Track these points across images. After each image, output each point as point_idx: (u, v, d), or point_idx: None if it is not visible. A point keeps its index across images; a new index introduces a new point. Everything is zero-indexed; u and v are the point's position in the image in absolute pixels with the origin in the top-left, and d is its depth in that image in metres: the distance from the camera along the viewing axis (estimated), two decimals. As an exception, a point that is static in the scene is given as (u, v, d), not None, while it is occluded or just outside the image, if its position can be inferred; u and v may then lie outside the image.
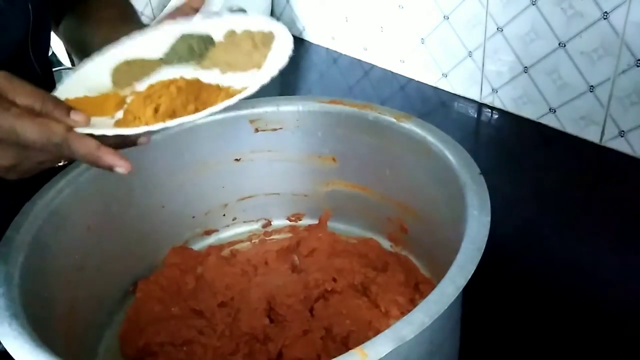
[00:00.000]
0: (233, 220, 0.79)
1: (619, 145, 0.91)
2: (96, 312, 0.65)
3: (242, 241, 0.78)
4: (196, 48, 0.58)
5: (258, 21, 0.58)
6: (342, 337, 0.62)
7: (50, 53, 1.40)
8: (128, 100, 0.53)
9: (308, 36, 1.40)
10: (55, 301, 0.57)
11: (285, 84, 1.28)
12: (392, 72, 1.23)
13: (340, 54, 1.33)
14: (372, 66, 1.26)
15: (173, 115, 0.48)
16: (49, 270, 0.57)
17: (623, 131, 0.90)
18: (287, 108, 0.71)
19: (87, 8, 0.72)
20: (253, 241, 0.78)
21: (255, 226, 0.80)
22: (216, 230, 0.79)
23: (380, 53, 1.24)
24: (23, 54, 0.62)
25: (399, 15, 1.15)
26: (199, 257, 0.75)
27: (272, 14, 1.45)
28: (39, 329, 0.47)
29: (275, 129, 0.72)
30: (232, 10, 0.63)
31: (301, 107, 0.71)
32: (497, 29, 1.00)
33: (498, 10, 0.98)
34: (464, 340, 0.57)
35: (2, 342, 0.45)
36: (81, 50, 0.74)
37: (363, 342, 0.40)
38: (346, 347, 0.61)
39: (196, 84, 0.52)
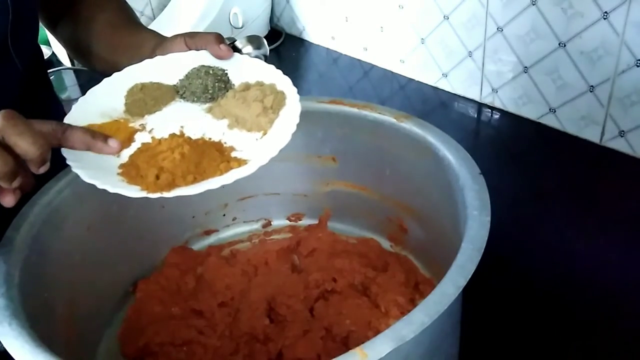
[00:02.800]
0: (233, 220, 0.79)
1: (619, 145, 0.91)
2: (96, 312, 0.65)
3: (242, 241, 0.78)
4: (210, 89, 0.59)
5: (273, 75, 0.59)
6: (342, 337, 0.62)
7: (50, 53, 1.41)
8: (137, 139, 0.55)
9: (308, 36, 1.40)
10: (55, 301, 0.57)
11: (285, 84, 1.28)
12: (392, 72, 1.22)
13: (340, 54, 1.33)
14: (372, 66, 1.26)
15: (172, 183, 0.49)
16: (49, 270, 0.57)
17: (623, 131, 0.90)
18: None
19: (83, 11, 0.72)
20: (253, 241, 0.78)
21: (255, 226, 0.80)
22: (216, 230, 0.79)
23: (380, 53, 1.24)
24: (2, 50, 0.62)
25: (399, 15, 1.15)
26: (199, 257, 0.75)
27: (272, 13, 1.45)
28: (39, 329, 0.47)
29: (275, 129, 0.72)
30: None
31: (301, 107, 0.71)
32: (497, 29, 1.00)
33: (498, 10, 0.98)
34: (464, 340, 0.57)
35: (2, 342, 0.45)
36: (81, 55, 0.74)
37: (363, 342, 0.40)
38: (346, 347, 0.61)
39: (199, 149, 0.53)
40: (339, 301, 0.66)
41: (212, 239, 0.78)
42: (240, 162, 0.52)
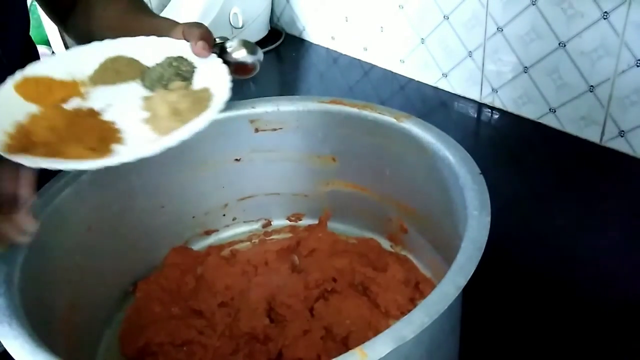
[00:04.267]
0: (233, 220, 0.79)
1: (619, 145, 0.91)
2: (96, 312, 0.65)
3: (242, 241, 0.78)
4: (165, 80, 0.59)
5: (220, 87, 0.58)
6: (342, 337, 0.62)
7: (50, 53, 1.41)
8: (71, 102, 0.56)
9: (308, 36, 1.40)
10: (55, 301, 0.57)
11: (285, 84, 1.29)
12: (392, 72, 1.22)
13: (340, 54, 1.33)
14: (372, 66, 1.26)
15: (24, 149, 0.49)
16: (49, 270, 0.57)
17: (623, 131, 0.90)
18: (287, 108, 0.71)
19: (93, 3, 0.72)
20: (253, 241, 0.78)
21: (255, 226, 0.80)
22: (216, 230, 0.79)
23: (380, 53, 1.24)
24: None
25: (399, 15, 1.15)
26: (199, 257, 0.75)
27: (272, 13, 1.45)
28: (39, 329, 0.47)
29: (275, 129, 0.72)
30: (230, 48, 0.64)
31: (301, 107, 0.71)
32: (497, 29, 1.00)
33: (498, 10, 0.98)
34: (464, 340, 0.57)
35: (2, 342, 0.45)
36: None
37: (363, 342, 0.40)
38: (346, 347, 0.61)
39: (82, 126, 0.53)
40: (339, 301, 0.66)
41: (212, 239, 0.78)
42: (104, 155, 0.51)
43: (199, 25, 0.63)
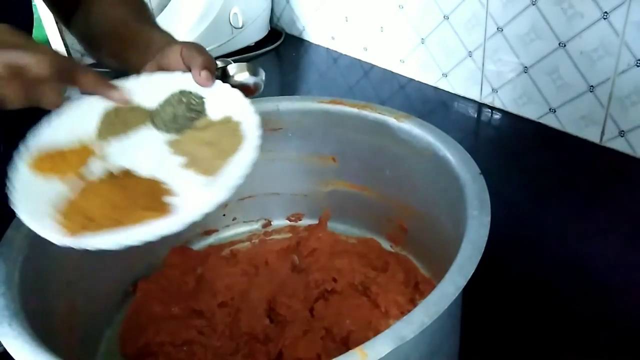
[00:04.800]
0: (233, 220, 0.79)
1: (619, 145, 0.91)
2: (96, 312, 0.65)
3: (242, 241, 0.78)
4: (180, 119, 0.57)
5: (244, 113, 0.57)
6: (342, 337, 0.62)
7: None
8: (92, 166, 0.53)
9: (308, 36, 1.40)
10: (55, 301, 0.57)
11: (285, 84, 1.29)
12: (392, 72, 1.22)
13: (340, 54, 1.33)
14: (372, 66, 1.26)
15: (84, 227, 0.48)
16: (49, 270, 0.57)
17: (623, 131, 0.90)
18: (287, 108, 0.71)
19: (96, 5, 0.71)
20: (253, 241, 0.78)
21: (255, 226, 0.80)
22: (216, 230, 0.79)
23: (380, 53, 1.24)
24: None
25: (399, 15, 1.15)
26: (199, 257, 0.75)
27: (272, 13, 1.45)
28: (39, 329, 0.47)
29: (275, 129, 0.72)
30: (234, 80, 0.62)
31: (301, 107, 0.71)
32: (497, 29, 1.00)
33: (498, 10, 0.98)
34: (464, 340, 0.57)
35: (2, 342, 0.45)
36: (94, 50, 0.74)
37: (363, 342, 0.40)
38: (346, 347, 0.61)
39: (131, 194, 0.51)
40: (339, 301, 0.66)
41: (212, 239, 0.78)
42: (167, 212, 0.49)
43: (199, 49, 0.60)
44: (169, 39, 0.65)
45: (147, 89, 0.59)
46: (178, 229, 0.47)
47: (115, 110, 0.58)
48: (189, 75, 0.59)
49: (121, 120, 0.58)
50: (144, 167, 0.54)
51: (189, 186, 0.52)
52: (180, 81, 0.59)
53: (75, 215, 0.49)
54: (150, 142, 0.57)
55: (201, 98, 0.59)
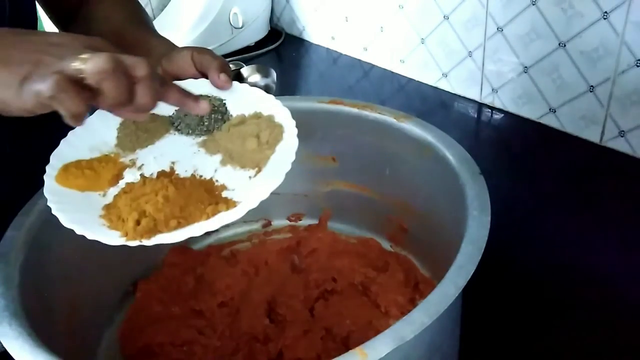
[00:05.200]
0: (233, 220, 0.79)
1: (619, 145, 0.91)
2: (96, 312, 0.65)
3: (242, 241, 0.78)
4: (206, 121, 0.58)
5: (272, 106, 0.57)
6: (342, 337, 0.62)
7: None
8: (126, 176, 0.53)
9: (308, 36, 1.40)
10: (55, 301, 0.57)
11: (285, 84, 1.29)
12: (392, 72, 1.22)
13: (340, 54, 1.33)
14: (372, 66, 1.26)
15: (154, 229, 0.48)
16: (49, 270, 0.57)
17: (623, 131, 0.90)
18: (287, 108, 0.71)
19: (95, 11, 0.71)
20: (253, 241, 0.78)
21: (255, 226, 0.80)
22: (216, 230, 0.78)
23: (380, 53, 1.24)
24: None
25: (399, 15, 1.15)
26: (199, 257, 0.75)
27: (272, 13, 1.45)
28: (39, 329, 0.47)
29: (275, 129, 0.72)
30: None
31: (301, 107, 0.71)
32: (497, 29, 1.00)
33: (498, 10, 0.98)
34: (464, 340, 0.57)
35: (2, 342, 0.45)
36: None
37: (363, 342, 0.40)
38: (346, 347, 0.61)
39: (186, 191, 0.51)
40: (339, 301, 0.66)
41: (212, 239, 0.78)
42: (229, 204, 0.50)
43: (211, 53, 0.60)
44: (170, 45, 0.64)
45: None
46: (240, 217, 0.48)
47: (134, 121, 0.58)
48: (202, 80, 0.59)
49: (143, 130, 0.57)
50: (184, 169, 0.54)
51: (236, 179, 0.52)
52: (195, 86, 0.59)
53: (141, 219, 0.48)
54: (180, 147, 0.57)
55: (221, 100, 0.59)
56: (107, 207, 0.50)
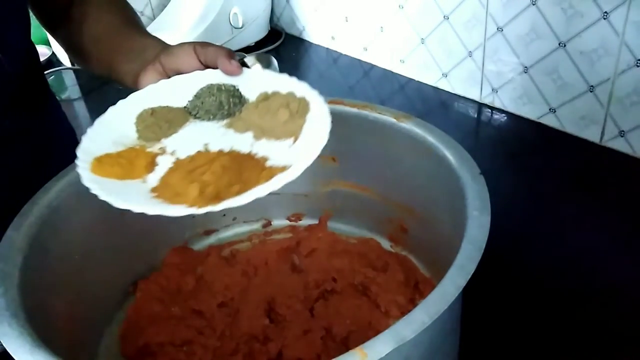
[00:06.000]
0: (233, 220, 0.79)
1: (619, 145, 0.91)
2: (96, 312, 0.65)
3: (242, 241, 0.78)
4: (226, 104, 0.58)
5: (289, 83, 0.58)
6: (342, 337, 0.62)
7: (50, 53, 1.41)
8: (160, 162, 0.53)
9: (308, 36, 1.40)
10: (55, 301, 0.57)
11: (285, 84, 1.28)
12: (392, 72, 1.23)
13: (340, 54, 1.33)
14: (372, 66, 1.26)
15: (218, 195, 0.47)
16: (49, 270, 0.57)
17: (623, 131, 0.90)
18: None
19: (83, 13, 0.71)
20: (253, 241, 0.78)
21: (255, 226, 0.80)
22: (216, 230, 0.79)
23: (380, 53, 1.24)
24: None
25: (399, 15, 1.15)
26: (199, 257, 0.75)
27: (272, 13, 1.45)
28: (39, 329, 0.47)
29: (275, 129, 0.72)
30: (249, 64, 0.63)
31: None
32: (497, 29, 1.00)
33: (498, 10, 0.98)
34: (464, 340, 0.57)
35: (2, 342, 0.45)
36: (81, 58, 0.73)
37: (363, 342, 0.40)
38: (346, 347, 0.61)
39: (238, 159, 0.51)
40: (339, 301, 0.66)
41: (212, 239, 0.78)
42: (280, 169, 0.49)
43: (214, 45, 0.61)
44: (164, 44, 0.65)
45: (168, 91, 0.60)
46: (297, 175, 0.48)
47: (151, 112, 0.58)
48: (208, 71, 0.60)
49: (164, 121, 0.57)
50: (219, 149, 0.54)
51: (275, 150, 0.52)
52: (201, 78, 0.59)
53: (205, 188, 0.48)
54: (207, 131, 0.57)
55: (235, 87, 0.59)
56: (156, 189, 0.50)
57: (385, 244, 0.74)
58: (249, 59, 0.63)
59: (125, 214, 0.67)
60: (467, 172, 0.56)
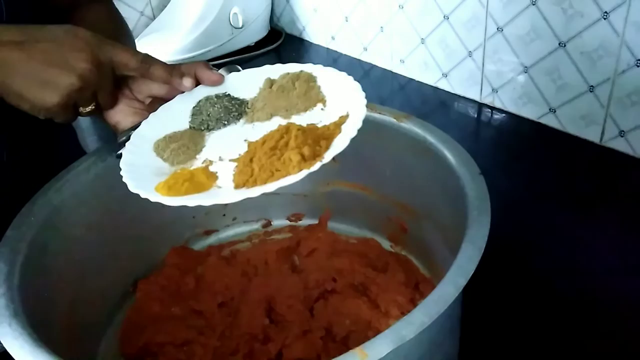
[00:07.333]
0: (233, 220, 0.79)
1: (619, 145, 0.91)
2: (96, 312, 0.65)
3: (242, 241, 0.78)
4: (232, 107, 0.58)
5: (278, 67, 0.59)
6: (342, 337, 0.62)
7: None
8: (217, 169, 0.53)
9: (308, 36, 1.40)
10: (55, 301, 0.57)
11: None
12: (392, 72, 1.22)
13: (340, 54, 1.33)
14: (372, 66, 1.26)
15: (315, 154, 0.48)
16: (49, 270, 0.57)
17: (623, 131, 0.90)
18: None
19: (72, 21, 0.71)
20: (253, 241, 0.78)
21: (255, 226, 0.80)
22: (216, 230, 0.79)
23: (380, 53, 1.24)
24: None
25: (399, 15, 1.15)
26: (199, 257, 0.75)
27: (272, 13, 1.45)
28: (39, 329, 0.47)
29: (275, 129, 0.72)
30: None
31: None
32: (497, 29, 1.00)
33: (498, 10, 0.98)
34: (464, 340, 0.57)
35: (2, 342, 0.45)
36: None
37: (363, 342, 0.40)
38: (346, 347, 0.61)
39: (301, 128, 0.52)
40: (338, 301, 0.66)
41: (212, 239, 0.78)
42: (343, 117, 0.52)
43: (182, 64, 0.60)
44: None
45: (163, 120, 0.59)
46: (360, 125, 0.51)
47: (167, 140, 0.57)
48: (186, 95, 0.60)
49: (182, 143, 0.56)
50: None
51: (313, 117, 0.54)
52: (186, 100, 0.60)
53: (246, 168, 0.50)
54: (232, 134, 0.57)
55: (224, 92, 0.60)
56: (237, 175, 0.50)
57: (385, 244, 0.74)
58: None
59: (125, 214, 0.68)
60: (467, 172, 0.56)
